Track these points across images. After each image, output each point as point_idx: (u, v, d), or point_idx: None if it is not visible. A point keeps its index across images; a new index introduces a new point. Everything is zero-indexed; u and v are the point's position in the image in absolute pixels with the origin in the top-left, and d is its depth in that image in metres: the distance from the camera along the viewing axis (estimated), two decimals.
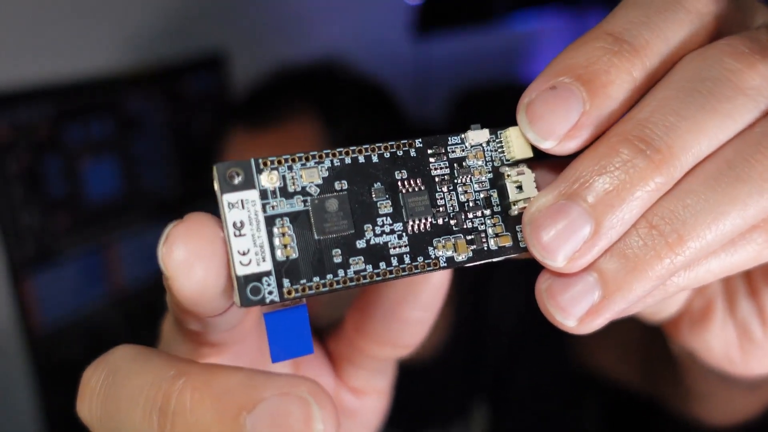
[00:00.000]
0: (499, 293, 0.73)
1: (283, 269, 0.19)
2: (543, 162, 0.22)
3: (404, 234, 0.20)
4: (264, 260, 0.18)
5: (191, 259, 0.18)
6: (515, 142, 0.21)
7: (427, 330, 0.26)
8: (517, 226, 0.21)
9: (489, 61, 1.46)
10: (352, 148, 0.20)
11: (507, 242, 0.21)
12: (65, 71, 0.82)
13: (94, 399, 0.19)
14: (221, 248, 0.18)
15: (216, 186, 0.19)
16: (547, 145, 0.20)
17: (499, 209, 0.21)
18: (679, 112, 0.19)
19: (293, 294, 0.19)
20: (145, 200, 0.93)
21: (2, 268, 0.78)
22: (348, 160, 0.20)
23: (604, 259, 0.19)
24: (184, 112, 0.98)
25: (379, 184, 0.20)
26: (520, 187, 0.21)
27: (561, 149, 0.20)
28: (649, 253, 0.19)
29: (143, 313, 0.90)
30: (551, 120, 0.19)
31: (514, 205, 0.21)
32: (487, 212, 0.21)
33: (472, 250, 0.21)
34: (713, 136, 0.19)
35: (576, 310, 0.19)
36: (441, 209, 0.21)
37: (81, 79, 0.84)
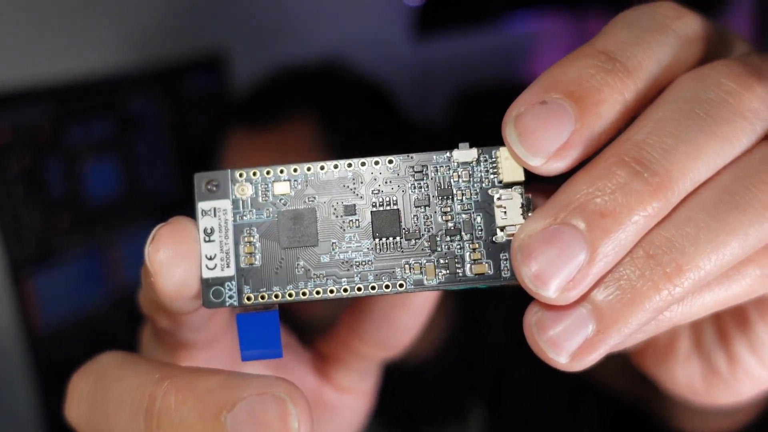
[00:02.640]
0: (498, 294, 0.73)
1: (244, 276, 0.20)
2: (534, 186, 0.21)
3: (371, 252, 0.20)
4: (228, 266, 0.20)
5: (173, 259, 0.19)
6: (505, 164, 0.20)
7: (417, 334, 0.26)
8: (502, 254, 0.20)
9: (489, 62, 1.46)
10: (327, 162, 0.20)
11: (485, 270, 0.20)
12: (65, 71, 0.82)
13: (82, 403, 0.21)
14: (198, 251, 0.20)
15: (195, 193, 0.20)
16: (535, 163, 0.19)
17: (482, 234, 0.20)
18: (677, 134, 0.18)
19: (252, 300, 0.20)
20: (145, 200, 0.93)
21: (2, 268, 0.78)
22: (322, 175, 0.20)
23: (599, 290, 0.18)
24: (184, 112, 0.99)
25: (350, 200, 0.20)
26: (507, 212, 0.20)
27: (548, 168, 0.19)
28: (646, 284, 0.18)
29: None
30: (541, 136, 0.18)
31: (502, 230, 0.20)
32: (467, 236, 0.20)
33: (443, 275, 0.20)
34: (711, 161, 0.18)
35: (569, 345, 0.18)
36: (414, 230, 0.20)
37: (81, 79, 0.84)
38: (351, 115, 0.76)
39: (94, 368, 0.21)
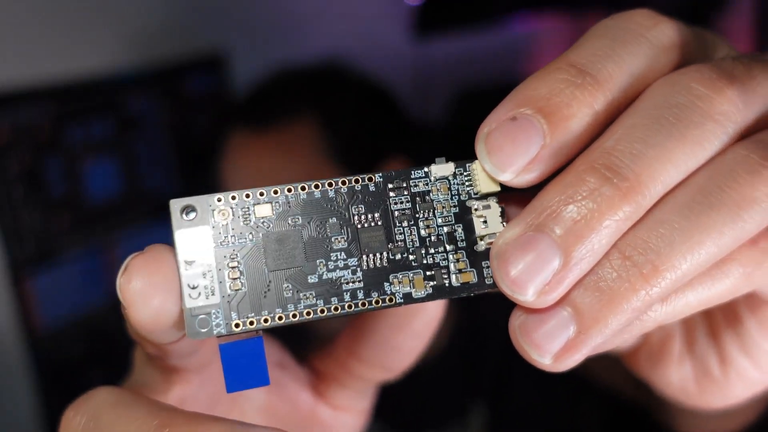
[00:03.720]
0: (498, 295, 0.72)
1: (231, 303, 0.19)
2: (511, 195, 0.22)
3: (358, 269, 0.20)
4: (213, 294, 0.19)
5: (147, 290, 0.18)
6: (481, 176, 0.20)
7: (417, 357, 0.26)
8: (484, 262, 0.20)
9: (489, 62, 1.46)
10: (308, 183, 0.20)
11: (470, 279, 0.20)
12: (65, 71, 0.82)
13: None
14: (177, 281, 0.19)
15: (172, 221, 0.19)
16: (505, 177, 0.19)
17: (464, 244, 0.20)
18: (646, 139, 0.18)
19: (240, 327, 0.19)
20: (145, 200, 0.93)
21: (2, 268, 0.78)
22: (303, 196, 0.20)
23: (578, 293, 0.19)
24: (184, 112, 0.99)
25: (334, 219, 0.20)
26: (486, 222, 0.20)
27: (519, 181, 0.19)
28: (623, 285, 0.18)
29: None
30: (510, 152, 0.19)
31: (481, 240, 0.20)
32: (450, 248, 0.20)
33: (431, 286, 0.20)
34: (682, 164, 0.19)
35: (551, 347, 0.19)
36: (399, 244, 0.20)
37: (81, 79, 0.84)
38: (351, 115, 0.75)
39: (89, 406, 0.20)
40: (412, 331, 0.25)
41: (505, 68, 1.52)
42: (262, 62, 0.89)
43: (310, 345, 0.30)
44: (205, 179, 0.86)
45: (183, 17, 0.96)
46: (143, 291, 0.18)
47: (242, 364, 0.19)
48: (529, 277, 0.18)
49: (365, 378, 0.27)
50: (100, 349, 0.88)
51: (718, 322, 0.26)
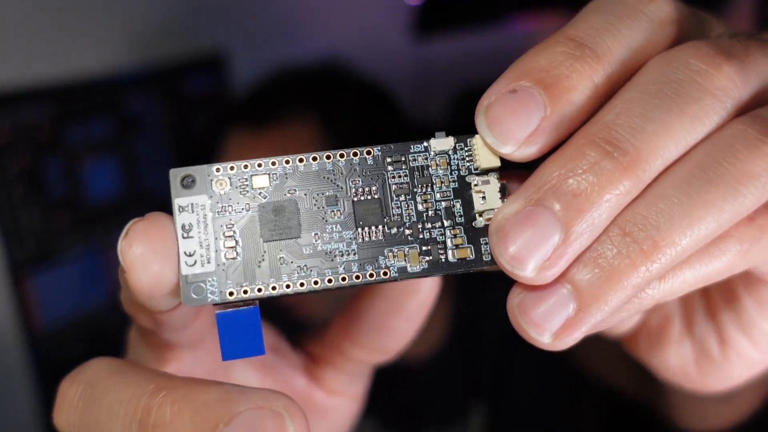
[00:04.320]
0: (498, 292, 0.72)
1: (226, 271, 0.19)
2: (511, 172, 0.22)
3: (353, 242, 0.20)
4: (209, 262, 0.19)
5: (147, 255, 0.19)
6: (481, 151, 0.20)
7: (410, 339, 0.26)
8: (482, 238, 0.20)
9: (489, 62, 1.46)
10: (306, 155, 0.20)
11: (467, 255, 0.20)
12: (65, 71, 0.82)
13: (72, 411, 0.20)
14: (175, 248, 0.19)
15: (171, 189, 0.20)
16: (507, 150, 0.19)
17: (462, 220, 0.20)
18: (646, 114, 0.18)
19: (234, 295, 0.19)
20: (146, 200, 0.93)
21: (2, 268, 0.78)
22: (301, 168, 0.20)
23: (577, 270, 0.18)
24: (184, 112, 0.99)
25: (330, 191, 0.20)
26: (485, 198, 0.20)
27: (520, 155, 0.19)
28: (623, 261, 0.18)
29: None
30: (511, 124, 0.19)
31: (480, 216, 0.20)
32: (447, 223, 0.20)
33: (427, 261, 0.20)
34: (681, 139, 0.19)
35: (550, 325, 0.19)
36: (396, 218, 0.20)
37: (81, 79, 0.84)
38: (351, 115, 0.76)
39: (85, 375, 0.21)
40: (406, 314, 0.25)
41: (505, 68, 1.51)
42: (262, 62, 0.89)
43: (304, 330, 0.30)
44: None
45: (183, 17, 0.96)
46: (143, 256, 0.19)
47: (238, 333, 0.19)
48: (529, 252, 0.18)
49: (359, 360, 0.27)
50: (100, 349, 0.88)
51: (716, 303, 0.26)
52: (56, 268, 0.83)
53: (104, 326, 0.89)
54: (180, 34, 0.96)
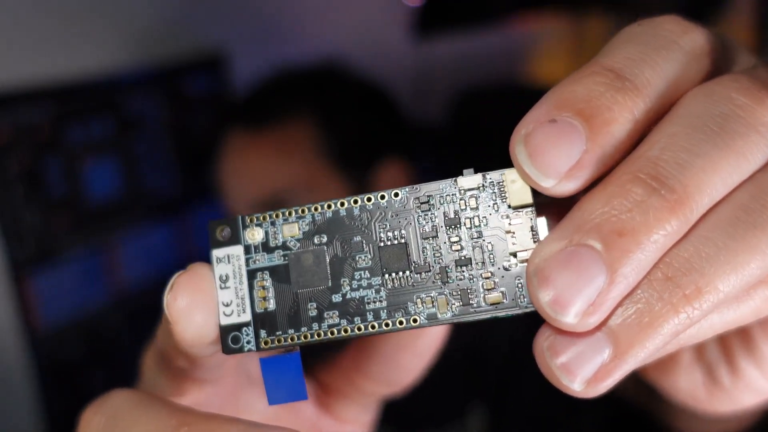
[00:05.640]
0: None
1: (260, 320, 0.20)
2: (544, 209, 0.20)
3: (382, 288, 0.20)
4: (244, 311, 0.20)
5: (192, 307, 0.20)
6: (511, 188, 0.19)
7: (420, 374, 0.27)
8: (517, 280, 0.19)
9: (489, 62, 1.46)
10: (334, 201, 0.20)
11: (500, 300, 0.19)
12: (65, 71, 0.82)
13: None
14: (215, 298, 0.20)
15: (209, 241, 0.21)
16: (548, 184, 0.18)
17: (494, 261, 0.19)
18: (691, 149, 0.17)
19: (269, 344, 0.20)
20: (146, 200, 0.93)
21: (2, 268, 0.78)
22: (329, 214, 0.20)
23: (615, 314, 0.17)
24: (184, 112, 0.99)
25: (358, 237, 0.20)
26: (518, 237, 0.19)
27: (560, 189, 0.18)
28: (665, 307, 0.17)
29: (143, 313, 0.90)
30: (553, 155, 0.18)
31: (514, 256, 0.19)
32: (478, 265, 0.19)
33: (456, 307, 0.19)
34: (727, 177, 0.18)
35: (583, 372, 0.17)
36: (423, 263, 0.19)
37: (81, 79, 0.84)
38: (351, 115, 0.75)
39: (107, 407, 0.21)
40: (416, 350, 0.26)
41: (505, 68, 1.52)
42: (262, 62, 0.89)
43: (315, 358, 0.30)
44: (205, 179, 0.86)
45: (183, 17, 0.96)
46: (188, 308, 0.19)
47: (281, 378, 0.20)
48: (572, 296, 0.17)
49: (369, 392, 0.28)
50: (100, 349, 0.88)
51: (729, 339, 0.25)
52: (56, 268, 0.83)
53: (104, 326, 0.89)
54: (180, 34, 0.96)
